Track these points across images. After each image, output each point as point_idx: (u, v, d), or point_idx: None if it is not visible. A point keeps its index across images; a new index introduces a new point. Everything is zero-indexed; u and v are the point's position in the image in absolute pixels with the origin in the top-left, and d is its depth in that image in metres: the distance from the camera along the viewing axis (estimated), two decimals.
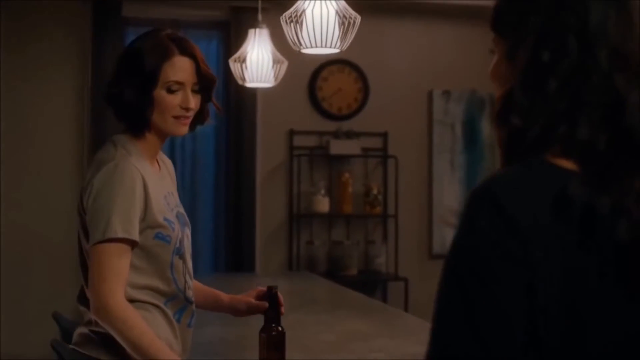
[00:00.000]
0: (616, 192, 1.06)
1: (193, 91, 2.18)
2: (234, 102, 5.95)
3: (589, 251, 1.04)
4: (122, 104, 2.15)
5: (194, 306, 2.25)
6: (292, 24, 2.94)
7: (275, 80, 4.11)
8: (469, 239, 1.06)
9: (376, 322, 3.36)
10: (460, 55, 6.29)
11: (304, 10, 2.89)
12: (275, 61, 4.07)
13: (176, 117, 2.15)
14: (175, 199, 2.27)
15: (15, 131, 5.65)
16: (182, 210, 2.29)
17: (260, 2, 4.18)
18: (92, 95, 5.68)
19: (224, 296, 2.41)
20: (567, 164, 1.08)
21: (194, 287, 2.31)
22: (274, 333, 2.17)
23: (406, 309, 6.00)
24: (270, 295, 2.20)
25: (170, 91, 2.14)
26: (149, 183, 2.11)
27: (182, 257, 2.19)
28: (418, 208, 6.42)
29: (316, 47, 2.93)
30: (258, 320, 2.20)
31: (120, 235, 2.03)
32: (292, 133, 6.17)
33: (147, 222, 2.09)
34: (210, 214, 6.10)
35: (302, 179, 6.17)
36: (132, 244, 2.06)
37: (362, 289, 5.83)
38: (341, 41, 2.95)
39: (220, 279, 5.20)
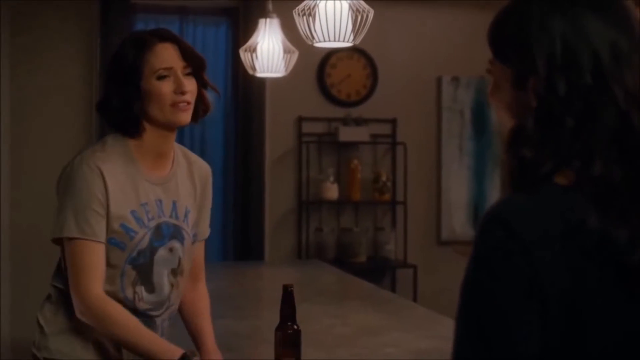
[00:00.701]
0: (635, 226, 1.07)
1: (185, 75, 2.10)
2: (242, 89, 5.94)
3: (591, 256, 1.06)
4: (111, 107, 2.11)
5: (154, 320, 2.18)
6: (304, 18, 2.93)
7: (286, 70, 4.10)
8: (482, 266, 1.08)
9: (388, 314, 3.36)
10: (469, 42, 6.25)
11: (316, 4, 2.88)
12: (286, 51, 4.06)
13: (173, 105, 2.08)
14: (171, 208, 2.19)
15: (22, 124, 5.64)
16: (179, 222, 2.21)
17: None
18: (101, 87, 5.65)
19: (209, 341, 2.31)
20: (570, 182, 1.09)
21: (195, 311, 2.32)
22: (289, 332, 2.17)
23: (415, 296, 6.02)
24: (286, 294, 2.21)
25: (160, 78, 2.08)
26: (115, 186, 2.07)
27: (138, 268, 2.13)
28: (427, 195, 6.41)
29: (329, 41, 2.93)
30: (271, 314, 2.20)
31: (75, 235, 2.04)
32: (300, 120, 6.16)
33: (108, 223, 2.08)
34: (219, 202, 6.09)
35: (311, 166, 6.17)
36: (96, 242, 2.05)
37: (370, 276, 5.84)
38: (354, 35, 2.94)
39: (229, 267, 5.22)
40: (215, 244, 6.04)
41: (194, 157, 2.33)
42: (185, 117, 2.11)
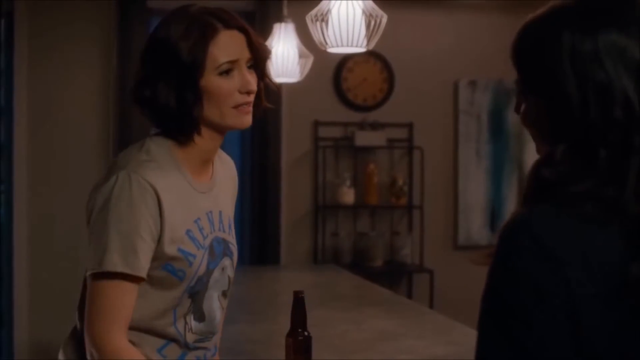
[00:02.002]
0: None
1: (248, 68, 1.76)
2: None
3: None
4: (159, 106, 1.72)
5: (204, 353, 1.87)
6: (317, 23, 2.92)
7: (301, 75, 4.11)
8: (508, 279, 1.05)
9: (404, 320, 3.35)
10: (486, 45, 6.24)
11: (329, 10, 2.88)
12: (301, 56, 4.06)
13: (236, 107, 1.74)
14: (219, 219, 1.86)
15: (40, 130, 5.66)
16: (226, 235, 1.89)
17: None
18: (118, 89, 5.69)
19: None
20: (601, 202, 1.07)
21: None
22: (300, 338, 2.16)
23: (431, 300, 6.00)
24: (297, 300, 2.20)
25: (222, 74, 1.72)
26: (169, 204, 1.71)
27: (193, 295, 1.80)
28: (443, 199, 6.39)
29: (342, 46, 2.92)
30: (286, 318, 2.19)
31: (120, 269, 1.66)
32: (317, 124, 6.15)
33: (158, 250, 1.71)
34: (236, 205, 6.08)
35: (327, 170, 6.16)
36: (137, 279, 1.69)
37: (387, 281, 5.85)
38: (367, 40, 2.93)
39: (245, 271, 5.21)
40: None
41: (225, 155, 2.01)
42: (248, 119, 1.78)
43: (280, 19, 4.13)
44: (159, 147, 1.76)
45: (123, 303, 1.68)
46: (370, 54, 6.16)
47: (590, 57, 1.08)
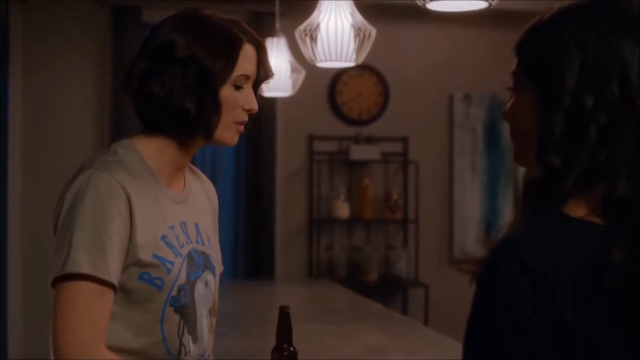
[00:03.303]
0: None
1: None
2: None
3: (615, 308, 1.03)
4: (174, 108, 1.62)
5: None
6: (307, 38, 2.93)
7: (293, 89, 4.11)
8: (494, 303, 1.04)
9: (394, 335, 3.34)
10: (482, 59, 6.25)
11: (318, 24, 2.88)
12: (293, 70, 4.07)
13: (236, 124, 1.68)
14: (195, 231, 1.74)
15: (34, 139, 5.67)
16: (206, 248, 1.76)
17: (277, 10, 4.17)
18: (112, 101, 5.69)
19: None
20: (592, 217, 1.07)
21: None
22: (285, 353, 2.14)
23: (426, 315, 5.98)
24: (282, 316, 2.19)
25: (237, 87, 1.66)
26: (140, 206, 1.60)
27: (181, 310, 1.65)
28: (439, 213, 6.38)
29: (331, 60, 2.93)
30: (273, 333, 2.18)
31: (85, 271, 1.51)
32: (311, 138, 6.16)
33: (130, 257, 1.58)
34: (230, 219, 6.09)
35: (322, 184, 6.16)
36: (107, 284, 1.54)
37: (382, 295, 5.83)
38: (356, 54, 2.93)
39: (239, 285, 5.21)
40: (226, 261, 5.92)
41: (199, 172, 1.91)
42: (236, 139, 1.73)
43: (272, 33, 4.14)
44: (126, 151, 1.66)
45: (93, 308, 1.52)
46: (365, 68, 6.16)
47: (592, 46, 1.11)
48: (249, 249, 6.01)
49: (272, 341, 2.10)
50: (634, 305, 1.03)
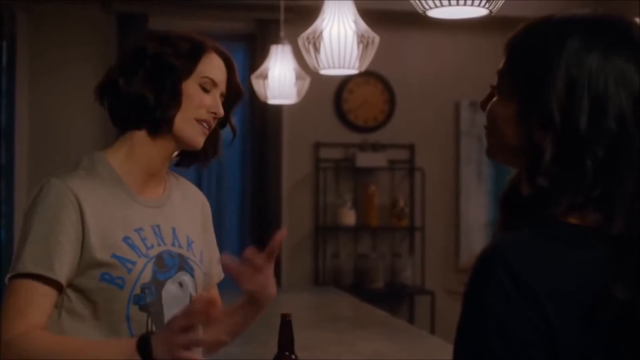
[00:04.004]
0: None
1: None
2: (259, 114, 5.94)
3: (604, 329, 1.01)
4: (134, 98, 1.73)
5: None
6: (310, 46, 2.93)
7: (298, 96, 4.10)
8: (481, 319, 1.01)
9: (398, 344, 3.32)
10: (488, 67, 6.21)
11: (321, 32, 2.88)
12: (298, 77, 4.06)
13: (200, 122, 1.75)
14: (172, 235, 1.79)
15: (40, 145, 5.69)
16: (183, 251, 1.80)
17: (282, 17, 4.17)
18: None
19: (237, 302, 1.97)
20: (583, 222, 1.04)
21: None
22: None
23: (432, 322, 5.96)
24: (284, 323, 2.18)
25: (202, 88, 1.75)
26: (95, 210, 1.67)
27: (146, 309, 1.69)
28: (445, 220, 6.37)
29: (334, 67, 2.92)
30: (275, 340, 2.17)
31: (29, 270, 1.61)
32: (317, 145, 6.15)
33: (87, 258, 1.65)
34: (236, 227, 6.09)
35: (328, 192, 6.15)
36: (52, 283, 1.62)
37: (388, 303, 5.82)
38: (360, 61, 2.93)
39: (242, 295, 5.19)
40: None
41: (190, 184, 1.98)
42: (201, 140, 1.77)
43: (277, 40, 4.14)
44: (93, 161, 1.77)
45: (31, 302, 1.61)
46: (371, 75, 6.16)
47: (592, 70, 1.06)
48: None
49: (273, 349, 2.10)
50: (634, 338, 1.00)
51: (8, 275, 1.64)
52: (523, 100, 1.10)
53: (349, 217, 6.07)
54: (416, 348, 3.25)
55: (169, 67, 1.73)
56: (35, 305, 1.62)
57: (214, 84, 1.77)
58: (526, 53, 1.13)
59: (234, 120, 1.92)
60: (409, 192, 6.28)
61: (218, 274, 1.97)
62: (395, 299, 6.16)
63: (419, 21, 6.19)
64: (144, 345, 1.52)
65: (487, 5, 1.81)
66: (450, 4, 1.83)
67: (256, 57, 5.88)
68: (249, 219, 6.09)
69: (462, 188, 6.38)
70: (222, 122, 1.86)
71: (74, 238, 1.64)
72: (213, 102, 1.77)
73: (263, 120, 5.96)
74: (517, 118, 1.11)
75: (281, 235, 1.87)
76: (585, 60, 1.06)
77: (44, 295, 1.62)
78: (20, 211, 5.70)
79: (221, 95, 1.80)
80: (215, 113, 1.76)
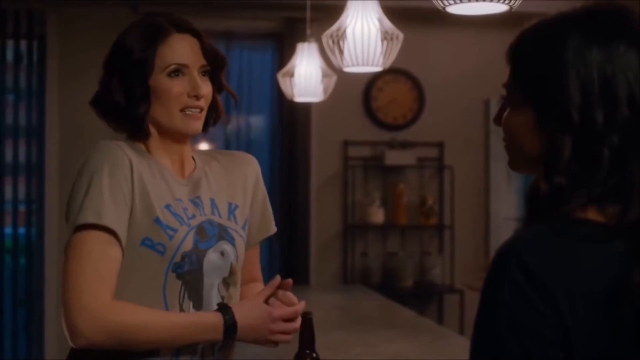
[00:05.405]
0: None
1: (202, 75, 1.76)
2: (287, 112, 5.94)
3: (622, 325, 1.00)
4: (112, 104, 1.74)
5: (209, 350, 1.73)
6: (334, 45, 2.92)
7: (325, 94, 4.09)
8: (495, 315, 1.02)
9: (422, 344, 3.29)
10: None
11: (345, 30, 2.87)
12: (325, 75, 4.05)
13: (184, 110, 1.74)
14: (211, 205, 1.80)
15: (72, 146, 5.74)
16: (223, 220, 1.81)
17: (308, 16, 4.16)
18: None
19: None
20: (600, 218, 1.05)
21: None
22: None
23: (462, 322, 5.92)
24: (305, 322, 2.18)
25: (171, 75, 1.73)
26: (142, 175, 1.69)
27: (183, 277, 1.70)
28: (474, 219, 6.32)
29: (358, 65, 2.91)
30: (296, 339, 2.16)
31: (91, 220, 1.60)
32: (346, 143, 6.14)
33: (132, 220, 1.66)
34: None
35: (357, 190, 6.13)
36: (110, 232, 1.62)
37: (417, 301, 5.79)
38: (384, 59, 2.91)
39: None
40: (261, 267, 6.01)
41: (237, 153, 1.99)
42: (197, 125, 1.76)
43: (304, 39, 4.13)
44: (129, 142, 1.78)
45: (97, 256, 1.60)
46: (399, 73, 6.14)
47: (598, 64, 1.07)
48: (284, 255, 6.01)
49: (296, 347, 2.09)
50: None
51: (70, 228, 1.63)
52: (538, 107, 1.11)
53: (378, 216, 6.04)
54: (440, 349, 3.22)
55: (133, 65, 1.72)
56: (107, 257, 1.61)
57: (184, 66, 1.73)
58: (530, 60, 1.13)
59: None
60: (438, 190, 6.25)
61: (268, 228, 2.01)
62: (424, 297, 6.13)
63: (448, 18, 6.16)
64: (231, 329, 1.67)
65: (507, 2, 1.79)
66: (470, 1, 1.81)
67: (284, 55, 5.87)
68: (277, 217, 6.04)
69: (492, 186, 6.33)
70: (219, 89, 1.85)
71: (127, 195, 1.65)
72: (190, 85, 1.74)
73: (292, 118, 5.96)
74: (534, 125, 1.11)
75: (286, 284, 1.92)
76: (589, 56, 1.07)
77: (110, 247, 1.62)
78: (51, 210, 5.75)
79: (201, 67, 1.76)
80: (196, 96, 1.74)
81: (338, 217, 6.15)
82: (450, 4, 1.84)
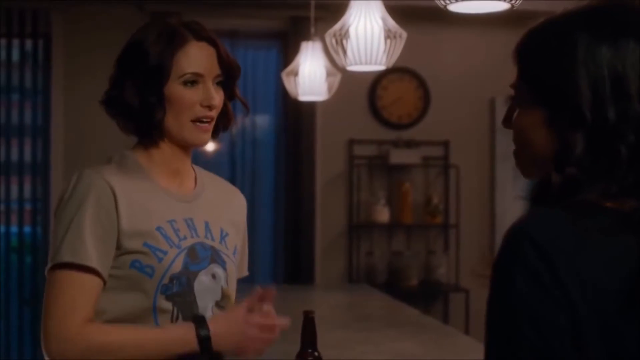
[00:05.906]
0: None
1: (215, 85, 1.76)
2: (292, 111, 5.94)
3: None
4: (125, 107, 1.73)
5: None
6: (337, 44, 2.91)
7: (329, 93, 4.09)
8: (507, 299, 1.02)
9: (427, 343, 3.29)
10: None
11: (348, 28, 2.86)
12: (329, 74, 4.05)
13: (195, 121, 1.73)
14: (205, 228, 1.80)
15: (77, 145, 5.75)
16: (215, 244, 1.81)
17: (313, 15, 4.16)
18: None
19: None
20: (613, 205, 1.04)
21: None
22: (309, 358, 2.14)
23: (467, 320, 5.92)
24: (307, 320, 2.18)
25: (186, 84, 1.72)
26: (128, 199, 1.69)
27: (174, 299, 1.70)
28: (480, 218, 6.31)
29: (361, 64, 2.91)
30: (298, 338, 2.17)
31: (66, 259, 1.62)
32: (351, 142, 6.13)
33: (119, 245, 1.67)
34: (270, 224, 6.10)
35: (362, 189, 6.13)
36: (88, 269, 1.63)
37: (422, 300, 5.78)
38: (386, 57, 2.91)
39: (278, 290, 5.18)
40: (265, 267, 6.04)
41: (227, 183, 2.01)
42: (206, 138, 1.77)
43: (309, 38, 4.13)
44: (123, 157, 1.79)
45: (77, 293, 1.63)
46: (405, 72, 6.13)
47: (608, 60, 1.07)
48: (289, 254, 6.01)
49: (298, 346, 2.10)
50: None
51: (48, 266, 1.65)
52: (549, 106, 1.10)
53: (383, 215, 6.04)
54: (445, 348, 3.22)
55: (150, 71, 1.71)
56: (83, 296, 1.63)
57: (199, 75, 1.73)
58: (539, 59, 1.13)
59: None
60: (443, 189, 6.24)
61: (242, 271, 1.97)
62: (429, 296, 6.12)
63: (453, 17, 6.14)
64: (204, 339, 1.64)
65: (508, 0, 1.78)
66: None
67: (289, 54, 5.87)
68: (282, 216, 6.09)
69: (498, 185, 6.31)
70: (231, 96, 1.84)
71: (109, 225, 1.66)
72: (204, 95, 1.73)
73: (297, 117, 5.96)
74: (545, 124, 1.11)
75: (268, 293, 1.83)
76: (599, 53, 1.07)
77: (87, 286, 1.64)
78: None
79: (216, 77, 1.76)
80: (209, 106, 1.73)
81: (343, 216, 6.15)
82: (451, 2, 1.83)
